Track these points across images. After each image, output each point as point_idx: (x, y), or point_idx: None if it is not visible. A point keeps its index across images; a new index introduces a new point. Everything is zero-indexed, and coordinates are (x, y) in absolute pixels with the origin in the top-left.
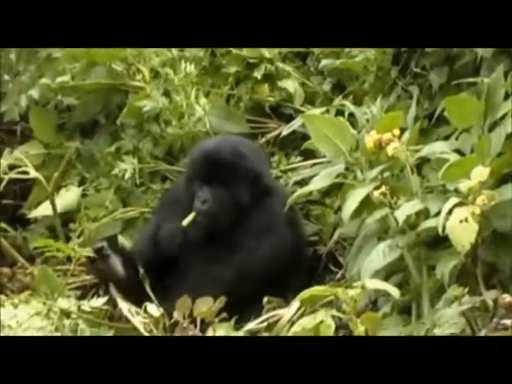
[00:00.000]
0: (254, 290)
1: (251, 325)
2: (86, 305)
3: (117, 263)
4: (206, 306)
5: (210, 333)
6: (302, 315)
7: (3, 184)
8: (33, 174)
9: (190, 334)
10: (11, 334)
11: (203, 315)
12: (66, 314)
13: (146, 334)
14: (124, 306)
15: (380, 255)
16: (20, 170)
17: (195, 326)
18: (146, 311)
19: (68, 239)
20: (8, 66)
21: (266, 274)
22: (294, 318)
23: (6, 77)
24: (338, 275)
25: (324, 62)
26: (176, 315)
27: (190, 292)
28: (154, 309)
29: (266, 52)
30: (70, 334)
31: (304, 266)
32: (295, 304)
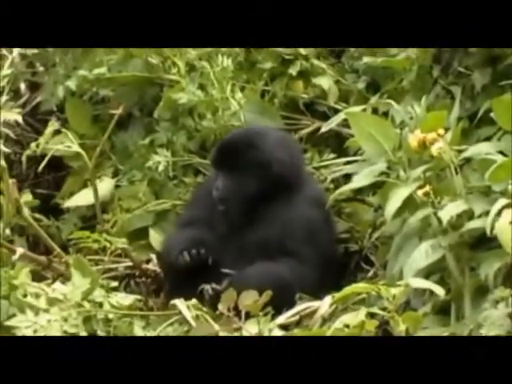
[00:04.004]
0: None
1: (282, 318)
2: (119, 297)
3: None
4: (250, 299)
5: (252, 326)
6: (333, 312)
7: (50, 154)
8: (75, 148)
9: (234, 326)
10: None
11: (248, 308)
12: (98, 304)
13: (193, 323)
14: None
15: (423, 254)
16: (65, 144)
17: (240, 319)
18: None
19: None
20: (44, 57)
21: (315, 282)
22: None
23: (40, 68)
24: (370, 273)
25: (365, 59)
26: (221, 307)
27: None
28: None
29: (302, 49)
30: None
31: (336, 264)
32: (328, 299)
